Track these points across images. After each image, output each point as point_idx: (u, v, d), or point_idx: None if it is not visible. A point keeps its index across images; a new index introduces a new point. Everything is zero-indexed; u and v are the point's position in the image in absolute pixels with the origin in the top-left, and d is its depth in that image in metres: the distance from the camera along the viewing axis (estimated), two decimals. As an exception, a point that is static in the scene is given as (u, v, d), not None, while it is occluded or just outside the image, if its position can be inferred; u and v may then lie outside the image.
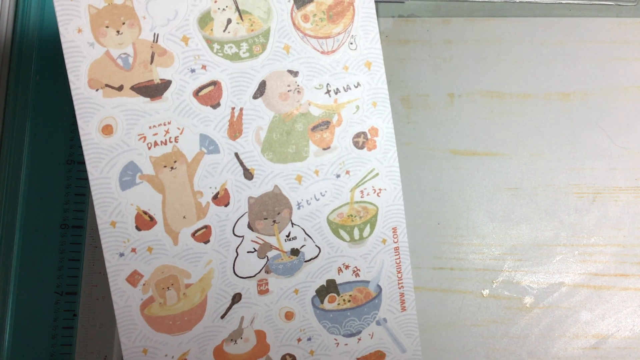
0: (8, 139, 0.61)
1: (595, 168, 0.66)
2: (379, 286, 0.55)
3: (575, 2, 0.68)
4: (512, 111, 0.67)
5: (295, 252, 0.53)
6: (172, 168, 0.50)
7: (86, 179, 0.60)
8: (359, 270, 0.55)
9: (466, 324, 0.64)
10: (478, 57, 0.68)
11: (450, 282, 0.65)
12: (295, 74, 0.52)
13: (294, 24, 0.52)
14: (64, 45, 0.47)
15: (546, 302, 0.64)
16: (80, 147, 0.60)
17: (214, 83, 0.50)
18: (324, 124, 0.53)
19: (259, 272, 0.53)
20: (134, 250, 0.50)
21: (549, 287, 0.64)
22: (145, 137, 0.49)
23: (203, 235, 0.51)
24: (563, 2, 0.68)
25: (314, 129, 0.52)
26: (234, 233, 0.52)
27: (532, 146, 0.66)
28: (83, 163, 0.61)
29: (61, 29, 0.47)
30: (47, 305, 0.61)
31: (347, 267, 0.54)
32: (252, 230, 0.52)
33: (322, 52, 0.52)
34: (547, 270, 0.65)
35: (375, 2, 0.54)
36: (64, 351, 0.60)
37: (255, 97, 0.51)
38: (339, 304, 0.54)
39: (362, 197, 0.54)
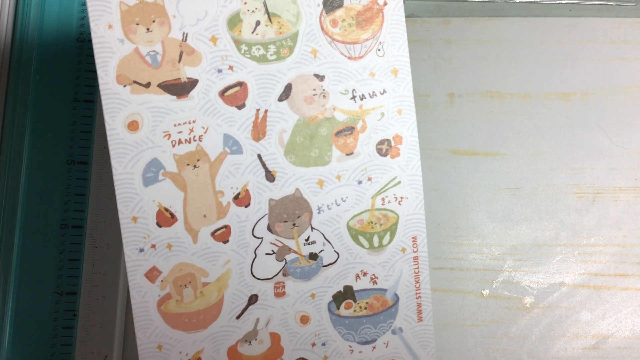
0: (8, 139, 0.61)
1: (595, 168, 0.66)
2: (396, 295, 0.55)
3: (575, 2, 0.69)
4: (512, 111, 0.67)
5: (313, 256, 0.53)
6: (195, 166, 0.50)
7: (86, 179, 0.60)
8: (377, 277, 0.55)
9: (466, 324, 0.65)
10: (478, 57, 0.68)
11: (450, 282, 0.65)
12: (321, 78, 0.52)
13: (322, 28, 0.52)
14: (94, 41, 0.48)
15: (546, 302, 0.65)
16: (81, 147, 0.60)
17: (240, 84, 0.50)
18: (348, 130, 0.53)
19: (276, 275, 0.53)
20: (153, 246, 0.50)
21: (549, 287, 0.65)
22: (170, 135, 0.49)
23: (222, 235, 0.51)
24: (563, 2, 0.69)
25: (337, 134, 0.52)
26: (253, 234, 0.52)
27: (532, 146, 0.67)
28: (83, 163, 0.61)
29: (92, 25, 0.47)
30: (47, 305, 0.61)
31: (365, 274, 0.54)
32: (272, 232, 0.52)
33: (349, 58, 0.52)
34: (547, 270, 0.65)
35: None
36: (64, 351, 0.60)
37: (280, 99, 0.51)
38: (355, 310, 0.54)
39: (383, 204, 0.54)
